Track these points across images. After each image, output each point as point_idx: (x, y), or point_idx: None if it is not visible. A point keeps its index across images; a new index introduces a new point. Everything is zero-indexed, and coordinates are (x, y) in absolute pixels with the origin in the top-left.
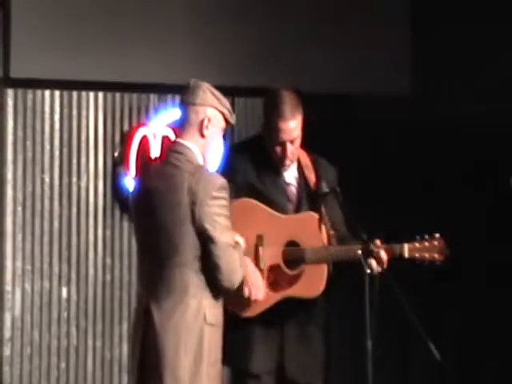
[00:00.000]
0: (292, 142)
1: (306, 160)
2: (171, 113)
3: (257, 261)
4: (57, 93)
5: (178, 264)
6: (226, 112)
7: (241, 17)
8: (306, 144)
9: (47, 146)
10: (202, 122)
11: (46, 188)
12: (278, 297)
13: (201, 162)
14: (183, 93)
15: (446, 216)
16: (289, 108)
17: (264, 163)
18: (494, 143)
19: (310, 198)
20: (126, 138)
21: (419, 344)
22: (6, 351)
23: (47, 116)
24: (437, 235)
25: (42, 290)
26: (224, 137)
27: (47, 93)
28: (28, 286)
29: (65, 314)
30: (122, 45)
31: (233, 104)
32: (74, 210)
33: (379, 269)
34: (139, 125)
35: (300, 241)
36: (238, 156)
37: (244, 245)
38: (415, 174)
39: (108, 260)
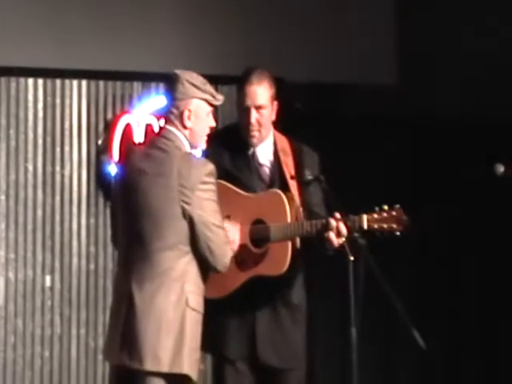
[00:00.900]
0: (257, 109)
1: (284, 145)
2: (155, 101)
3: None
4: (40, 81)
5: (162, 248)
6: (208, 97)
7: (226, 5)
8: (290, 132)
9: (30, 135)
10: (182, 115)
11: (30, 176)
12: (244, 276)
13: (188, 149)
14: (164, 86)
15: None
16: (256, 75)
17: (239, 148)
18: (482, 134)
19: (282, 181)
20: (109, 126)
21: (404, 331)
22: None
23: (30, 104)
24: (396, 206)
25: (26, 278)
26: (215, 119)
27: (30, 81)
28: (11, 275)
29: (48, 303)
30: (105, 33)
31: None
32: (58, 198)
33: (340, 241)
34: (122, 112)
35: (266, 219)
36: (214, 144)
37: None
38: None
39: (92, 248)
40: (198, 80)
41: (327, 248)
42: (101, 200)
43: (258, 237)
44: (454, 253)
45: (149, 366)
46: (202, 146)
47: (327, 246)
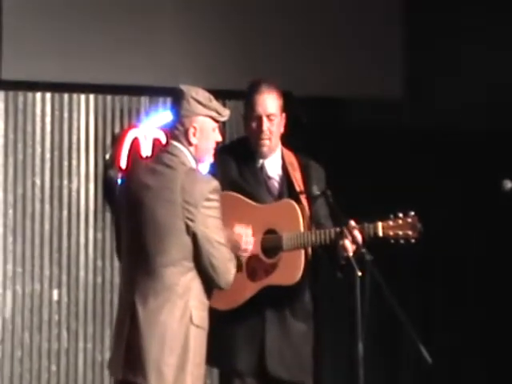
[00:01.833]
0: (268, 117)
1: (291, 159)
2: (162, 115)
3: None
4: (48, 95)
5: (166, 263)
6: (213, 114)
7: (231, 19)
8: (294, 147)
9: (38, 149)
10: (187, 132)
11: (37, 190)
12: (256, 287)
13: (193, 165)
14: (170, 102)
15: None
16: (265, 85)
17: (247, 161)
18: (488, 146)
19: (291, 194)
20: (117, 140)
21: (410, 346)
22: None
23: (38, 118)
24: (411, 212)
25: (33, 292)
26: (221, 133)
27: (38, 95)
28: (19, 288)
29: (56, 317)
30: (113, 47)
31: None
32: (65, 212)
33: (353, 247)
34: (130, 127)
35: (278, 228)
36: (221, 157)
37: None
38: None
39: (99, 262)
40: (204, 96)
41: (340, 257)
42: (108, 214)
43: (270, 246)
44: (457, 267)
45: (153, 381)
46: (209, 160)
47: (341, 254)
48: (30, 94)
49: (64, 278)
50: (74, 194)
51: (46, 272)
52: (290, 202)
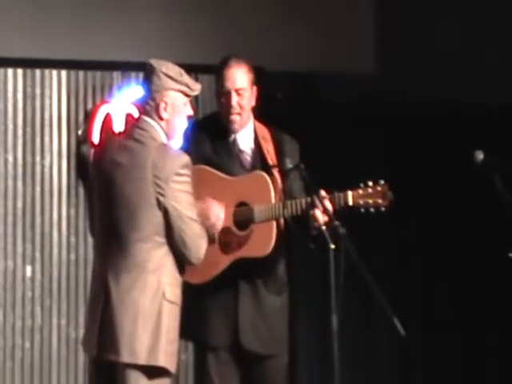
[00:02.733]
0: (237, 92)
1: (264, 133)
2: (134, 90)
3: None
4: (20, 71)
5: (138, 239)
6: (184, 89)
7: None
8: (268, 121)
9: (10, 126)
10: (158, 106)
11: (10, 167)
12: (229, 259)
13: (164, 140)
14: (142, 77)
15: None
16: (234, 60)
17: (220, 135)
18: (460, 119)
19: (263, 167)
20: (89, 116)
21: (384, 318)
22: None
23: (10, 95)
24: (381, 181)
25: (6, 269)
26: (193, 108)
27: (10, 71)
28: None
29: (29, 294)
30: (84, 23)
31: (196, 81)
32: (38, 189)
33: (325, 218)
34: (102, 102)
35: (250, 201)
36: (194, 131)
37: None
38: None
39: (72, 239)
40: (174, 71)
41: (311, 228)
42: (81, 190)
43: (242, 219)
44: (431, 239)
45: (126, 358)
46: (180, 136)
47: (312, 224)
48: (1, 71)
49: (37, 254)
50: (46, 170)
51: (19, 249)
52: (261, 174)
